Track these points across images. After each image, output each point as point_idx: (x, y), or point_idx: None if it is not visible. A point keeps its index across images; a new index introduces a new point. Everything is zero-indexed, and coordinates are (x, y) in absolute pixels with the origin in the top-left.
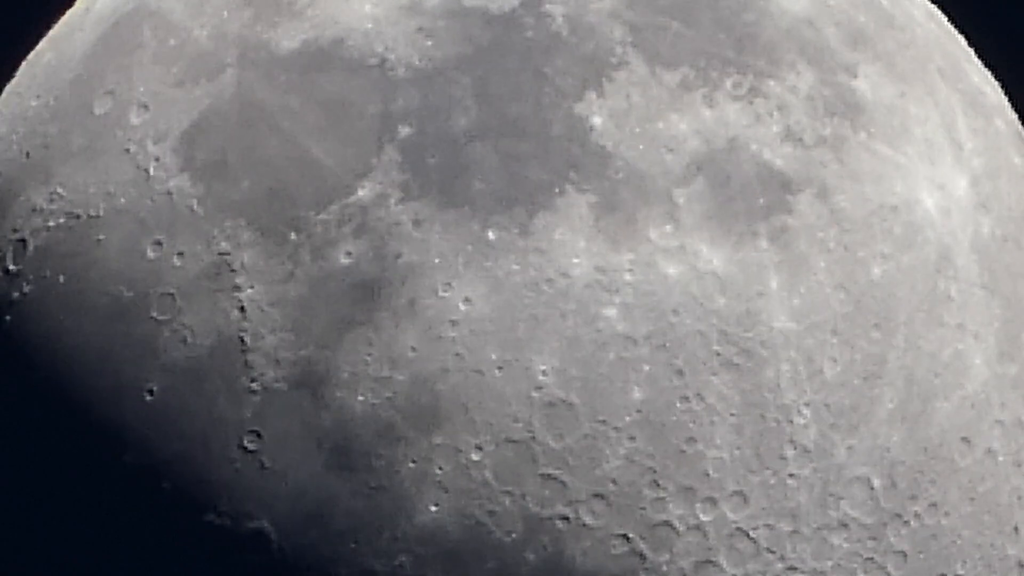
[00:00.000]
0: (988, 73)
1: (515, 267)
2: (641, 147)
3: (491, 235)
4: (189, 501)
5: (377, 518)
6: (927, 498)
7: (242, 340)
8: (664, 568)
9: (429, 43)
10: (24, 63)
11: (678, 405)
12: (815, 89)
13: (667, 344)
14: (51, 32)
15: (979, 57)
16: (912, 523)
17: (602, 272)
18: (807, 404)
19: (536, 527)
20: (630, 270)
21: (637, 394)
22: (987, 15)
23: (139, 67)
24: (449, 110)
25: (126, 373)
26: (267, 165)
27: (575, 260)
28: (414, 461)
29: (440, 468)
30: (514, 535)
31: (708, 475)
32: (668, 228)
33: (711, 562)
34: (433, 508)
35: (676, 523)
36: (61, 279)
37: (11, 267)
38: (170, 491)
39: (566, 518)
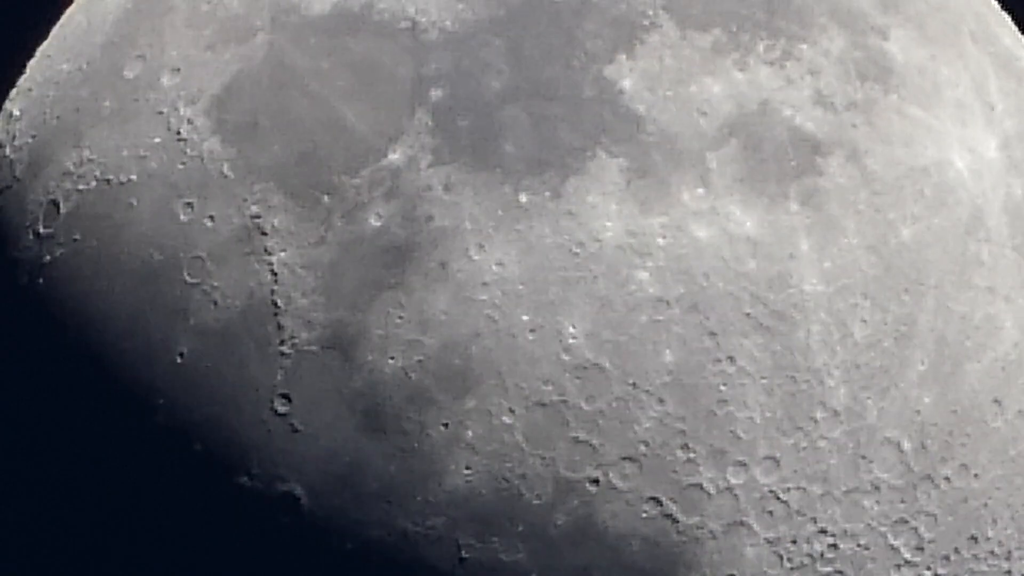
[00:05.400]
0: (1020, 36)
1: (547, 230)
2: (673, 110)
3: (523, 198)
4: (220, 463)
5: (408, 481)
6: (958, 460)
7: (273, 303)
8: (695, 531)
9: (460, 6)
10: (55, 27)
11: (709, 368)
12: (846, 52)
13: (698, 307)
14: None
15: (1013, 20)
16: (942, 485)
17: (633, 235)
18: (838, 366)
19: (567, 490)
20: (661, 233)
21: (668, 357)
22: None
23: (170, 31)
24: (480, 73)
25: (157, 336)
26: (298, 128)
27: (607, 223)
28: (445, 424)
29: (471, 431)
30: (545, 498)
31: (739, 437)
32: (699, 191)
33: (742, 524)
34: (464, 471)
35: (707, 486)
36: (92, 242)
37: (43, 230)
38: (201, 453)
39: (597, 481)
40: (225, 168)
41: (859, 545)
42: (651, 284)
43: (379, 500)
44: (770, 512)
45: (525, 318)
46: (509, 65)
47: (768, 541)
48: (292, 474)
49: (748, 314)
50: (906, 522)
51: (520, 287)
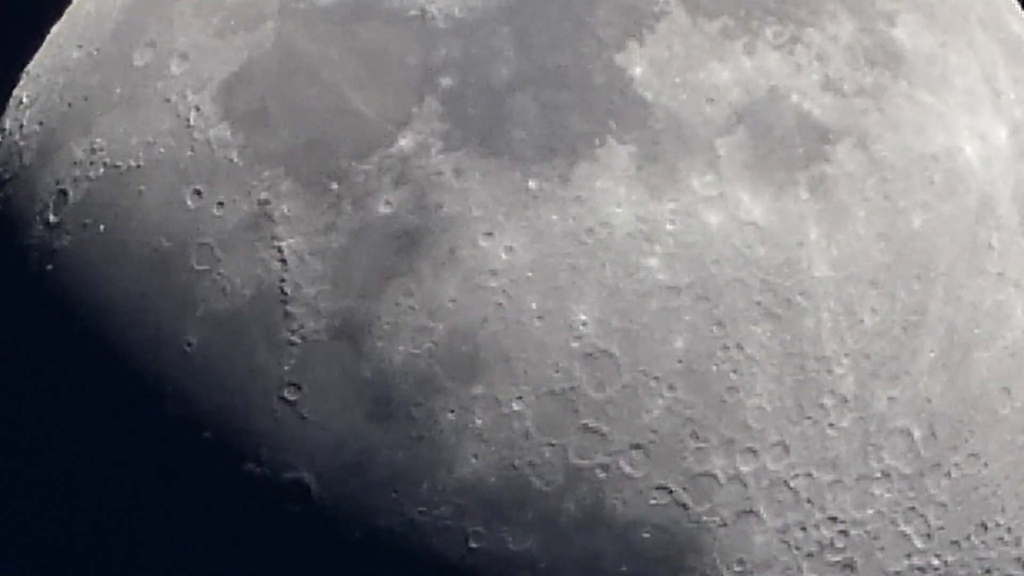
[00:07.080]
0: None
1: (555, 217)
2: (682, 97)
3: (532, 185)
4: (229, 452)
5: (417, 469)
6: (967, 448)
7: (282, 291)
8: (704, 518)
9: None
10: (65, 14)
11: (719, 355)
12: (855, 38)
13: (708, 294)
14: None
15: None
16: (952, 473)
17: (643, 222)
18: (847, 354)
19: (576, 478)
20: (671, 220)
21: (678, 344)
22: None
23: (180, 18)
24: (490, 60)
25: (166, 324)
26: (307, 115)
27: (616, 210)
28: (454, 412)
29: (480, 419)
30: (554, 485)
31: (748, 425)
32: (709, 178)
33: (751, 512)
34: (473, 459)
35: (717, 473)
36: (101, 229)
37: (52, 218)
38: (210, 442)
39: (606, 468)
40: (234, 155)
41: (868, 532)
42: (660, 271)
43: (387, 488)
44: (779, 500)
45: (534, 305)
46: (518, 52)
47: (777, 529)
48: (301, 462)
49: (757, 301)
50: (915, 510)
51: (529, 274)
